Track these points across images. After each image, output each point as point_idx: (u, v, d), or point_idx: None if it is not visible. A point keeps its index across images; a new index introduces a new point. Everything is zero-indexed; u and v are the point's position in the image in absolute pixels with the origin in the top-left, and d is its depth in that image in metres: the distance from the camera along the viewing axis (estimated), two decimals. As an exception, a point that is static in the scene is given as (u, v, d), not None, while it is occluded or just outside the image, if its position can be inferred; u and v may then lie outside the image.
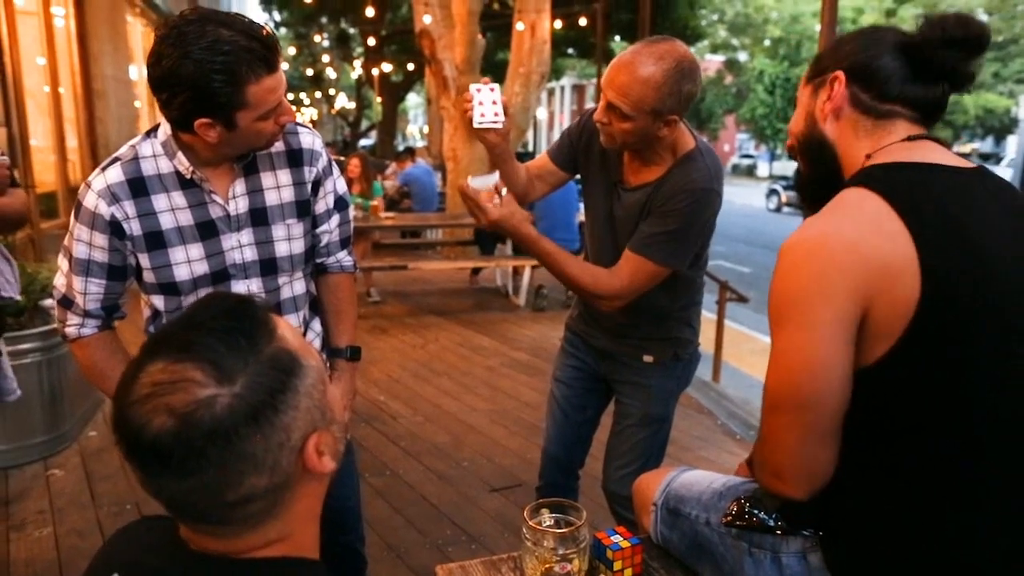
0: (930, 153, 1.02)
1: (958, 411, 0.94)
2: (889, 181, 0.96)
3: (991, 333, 0.92)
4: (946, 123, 27.63)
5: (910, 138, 1.03)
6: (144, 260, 1.37)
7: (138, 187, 1.34)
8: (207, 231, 1.39)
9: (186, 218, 1.37)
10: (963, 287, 0.91)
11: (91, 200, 1.32)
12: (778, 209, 19.81)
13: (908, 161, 0.99)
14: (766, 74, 28.88)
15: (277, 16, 19.69)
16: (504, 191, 1.61)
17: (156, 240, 1.36)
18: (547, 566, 1.11)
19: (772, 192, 20.63)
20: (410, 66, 18.77)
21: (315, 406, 0.73)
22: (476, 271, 7.27)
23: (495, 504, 2.92)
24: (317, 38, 21.43)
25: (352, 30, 19.86)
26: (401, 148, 9.11)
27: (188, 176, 1.35)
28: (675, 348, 1.85)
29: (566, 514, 1.18)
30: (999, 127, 29.82)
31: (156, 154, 1.35)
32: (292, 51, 19.48)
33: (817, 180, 1.12)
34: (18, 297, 2.32)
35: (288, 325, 0.75)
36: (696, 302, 1.88)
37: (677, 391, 1.93)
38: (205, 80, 1.17)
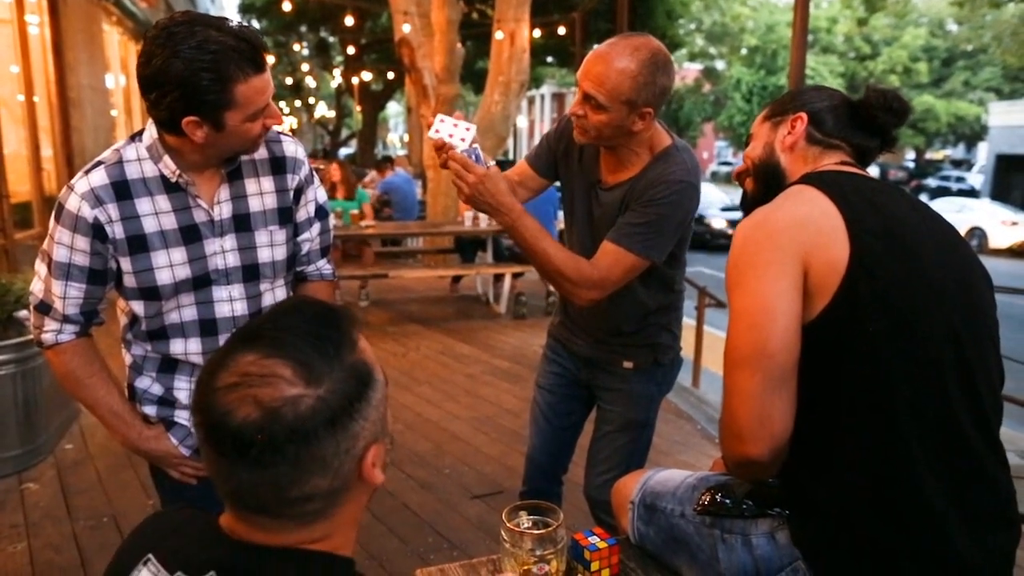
0: (858, 172, 1.24)
1: (881, 370, 1.05)
2: (821, 178, 1.18)
3: (911, 291, 1.07)
4: (918, 130, 28.13)
5: (843, 162, 1.25)
6: (126, 264, 1.36)
7: (122, 190, 1.33)
8: (190, 235, 1.39)
9: (170, 222, 1.37)
10: (883, 251, 1.08)
11: (74, 203, 1.31)
12: (756, 215, 20.02)
13: (842, 170, 1.22)
14: (743, 82, 29.22)
15: (256, 24, 19.62)
16: (491, 162, 1.58)
17: (139, 244, 1.35)
18: (525, 567, 1.13)
19: (750, 199, 20.86)
20: (390, 75, 18.77)
21: (380, 419, 0.76)
22: (457, 279, 7.28)
23: (476, 511, 2.92)
24: (297, 47, 21.37)
25: (332, 39, 19.84)
26: (380, 157, 9.12)
27: (174, 180, 1.35)
28: (655, 354, 1.87)
29: (543, 516, 1.19)
30: (970, 134, 30.41)
31: (141, 158, 1.35)
32: (272, 60, 19.42)
33: (765, 199, 1.24)
34: None
35: (365, 340, 0.78)
36: (676, 307, 1.90)
37: (658, 396, 1.94)
38: (194, 78, 1.18)
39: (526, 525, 1.18)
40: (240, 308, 1.46)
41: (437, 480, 3.20)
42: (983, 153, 29.70)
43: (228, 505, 0.75)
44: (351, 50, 17.24)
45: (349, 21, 11.85)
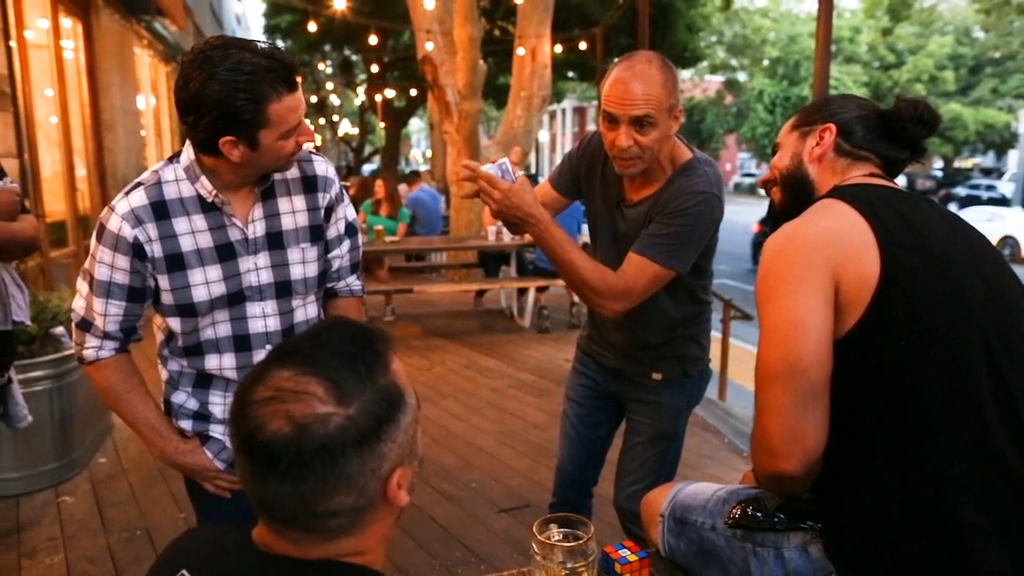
0: (886, 184, 1.23)
1: (915, 384, 1.04)
2: (850, 192, 1.16)
3: (943, 304, 1.06)
4: (946, 139, 27.71)
5: (871, 174, 1.23)
6: (164, 282, 1.40)
7: (160, 210, 1.38)
8: (225, 253, 1.43)
9: (205, 240, 1.41)
10: (914, 264, 1.07)
11: (115, 223, 1.36)
12: (781, 227, 19.82)
13: (872, 183, 1.20)
14: (765, 93, 29.08)
15: (282, 44, 19.99)
16: (519, 172, 1.61)
17: (176, 262, 1.39)
18: None
19: (774, 210, 20.68)
20: (413, 92, 18.97)
21: (408, 441, 0.77)
22: (481, 293, 7.30)
23: (504, 525, 2.92)
24: (321, 66, 21.70)
25: (355, 57, 20.12)
26: (409, 171, 9.23)
27: (210, 200, 1.40)
28: (683, 365, 1.87)
29: (574, 529, 1.20)
30: (999, 142, 29.89)
31: (178, 179, 1.40)
32: (297, 79, 19.75)
33: (793, 210, 1.24)
34: (29, 323, 2.35)
35: (399, 363, 0.80)
36: (703, 319, 1.90)
37: (687, 408, 1.94)
38: (230, 99, 1.23)
39: (557, 538, 1.19)
40: (273, 324, 1.49)
41: (464, 494, 3.20)
42: (1014, 161, 29.17)
43: (260, 516, 0.77)
44: (374, 68, 17.45)
45: (373, 40, 12.01)
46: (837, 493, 1.09)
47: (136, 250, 1.37)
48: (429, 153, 19.86)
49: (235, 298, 1.45)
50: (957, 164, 33.54)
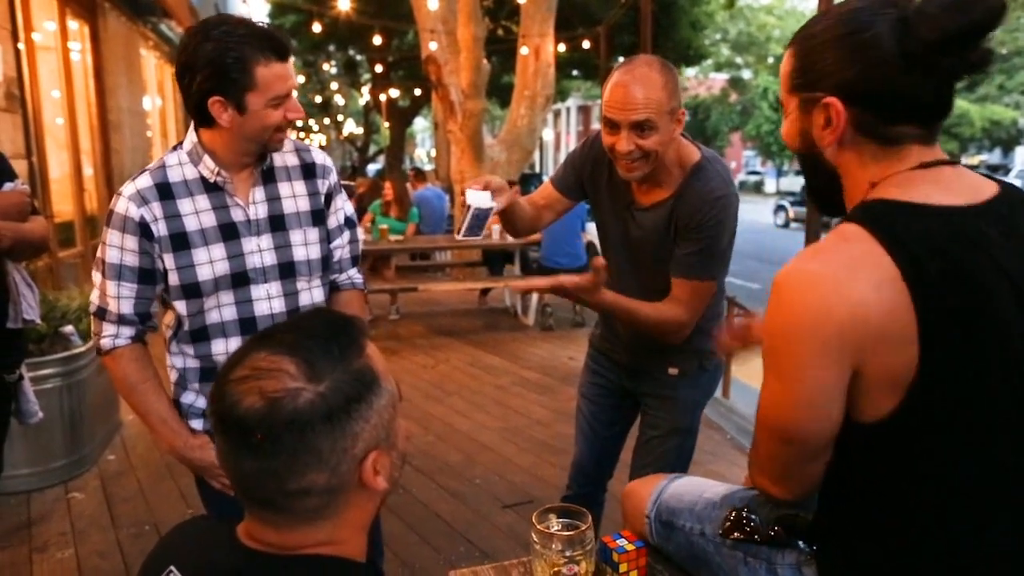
0: (942, 187, 0.91)
1: (947, 460, 0.90)
2: (896, 230, 0.86)
3: (992, 387, 0.88)
4: (952, 135, 27.60)
5: (923, 165, 0.92)
6: (169, 261, 1.45)
7: (165, 191, 1.45)
8: (229, 233, 1.48)
9: (209, 220, 1.47)
10: (964, 352, 0.85)
11: (122, 205, 1.43)
12: (786, 225, 19.82)
13: (920, 203, 0.89)
14: (770, 91, 28.99)
15: (286, 45, 20.06)
16: (496, 205, 1.64)
17: (181, 241, 1.45)
18: (556, 568, 1.16)
19: (780, 208, 20.67)
20: (417, 91, 18.99)
21: (383, 425, 0.79)
22: (485, 291, 7.33)
23: (507, 520, 2.95)
24: (325, 66, 21.74)
25: (359, 57, 20.16)
26: (413, 170, 9.25)
27: (212, 180, 1.46)
28: (700, 359, 1.88)
29: (573, 519, 1.23)
30: (1006, 139, 29.77)
31: (182, 163, 1.48)
32: (301, 79, 19.81)
33: (820, 190, 1.05)
34: (39, 322, 2.39)
35: (377, 351, 0.83)
36: (718, 313, 1.91)
37: (703, 402, 1.96)
38: (220, 58, 1.32)
39: (556, 528, 1.22)
40: (278, 306, 1.54)
41: (468, 490, 3.23)
42: (1020, 158, 29.07)
43: (243, 502, 0.80)
44: (379, 68, 17.50)
45: (377, 40, 12.06)
46: (847, 535, 1.00)
47: (143, 229, 1.42)
48: (434, 152, 19.88)
49: (239, 279, 1.49)
50: (964, 161, 33.39)
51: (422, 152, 49.04)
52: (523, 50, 8.52)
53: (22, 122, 4.56)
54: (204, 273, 1.46)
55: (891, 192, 0.91)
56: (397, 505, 3.03)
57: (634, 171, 1.65)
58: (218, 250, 1.47)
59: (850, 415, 0.92)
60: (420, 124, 37.68)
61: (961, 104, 26.93)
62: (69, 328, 3.31)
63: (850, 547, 0.99)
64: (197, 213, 1.46)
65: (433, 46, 8.25)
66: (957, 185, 0.92)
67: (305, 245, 1.56)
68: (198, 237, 1.46)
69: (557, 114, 40.33)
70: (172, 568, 0.82)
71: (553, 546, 1.16)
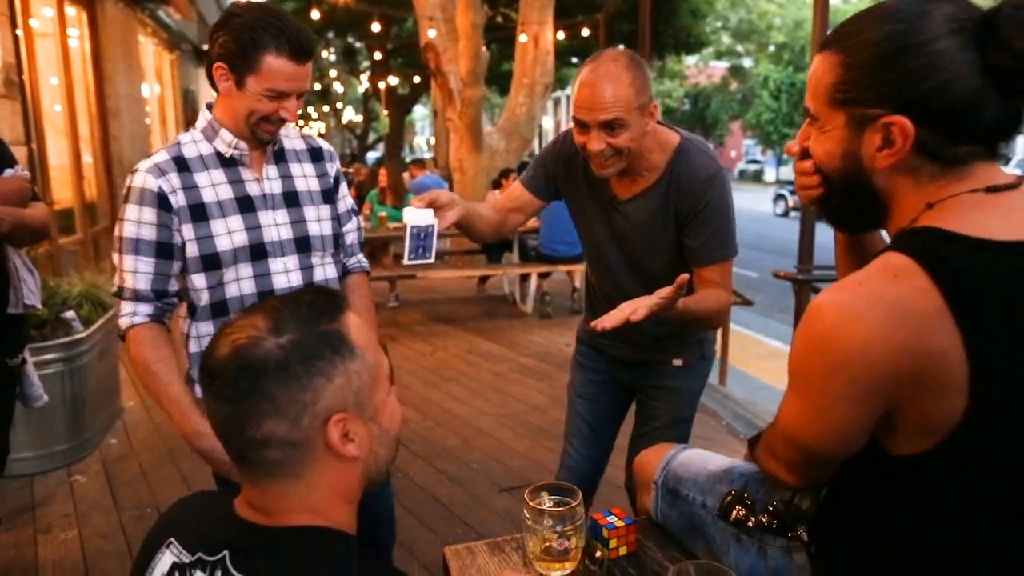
0: (1003, 216, 0.81)
1: (979, 490, 0.83)
2: (953, 268, 0.77)
3: None
4: None
5: (992, 189, 0.82)
6: (188, 232, 1.48)
7: (181, 164, 1.49)
8: (245, 205, 1.53)
9: (226, 192, 1.51)
10: (1010, 407, 0.77)
11: (139, 179, 1.47)
12: (785, 214, 19.82)
13: (982, 237, 0.79)
14: (771, 79, 28.90)
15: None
16: (436, 223, 1.50)
17: (199, 212, 1.49)
18: (547, 543, 1.19)
19: (779, 197, 20.66)
20: (416, 79, 18.94)
21: (352, 390, 0.81)
22: (483, 279, 7.37)
23: (504, 503, 3.00)
24: (324, 53, 21.67)
25: (359, 45, 20.09)
26: (411, 159, 9.21)
27: (228, 154, 1.51)
28: (702, 348, 1.90)
29: (564, 496, 1.26)
30: (1007, 128, 29.65)
31: (196, 140, 1.52)
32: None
33: (847, 214, 0.96)
34: (40, 307, 2.42)
35: (359, 323, 0.86)
36: None
37: (701, 391, 1.97)
38: (240, 33, 1.40)
39: (547, 505, 1.25)
40: (296, 279, 1.58)
41: (465, 474, 3.28)
42: (1021, 146, 28.99)
43: (233, 461, 0.83)
44: (378, 55, 17.44)
45: (376, 27, 12.03)
46: (847, 538, 0.98)
47: (161, 200, 1.46)
48: (433, 140, 19.86)
49: (257, 251, 1.54)
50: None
51: (421, 140, 48.90)
52: (522, 38, 8.51)
53: (21, 108, 4.57)
54: (223, 244, 1.50)
55: (948, 221, 0.81)
56: (395, 489, 3.07)
57: (608, 168, 1.62)
58: (235, 221, 1.51)
59: (875, 439, 0.87)
60: (419, 112, 37.57)
61: None
62: (70, 314, 3.34)
63: (850, 551, 0.98)
64: (214, 186, 1.50)
65: (432, 33, 8.23)
66: (1022, 213, 0.82)
67: (318, 221, 1.62)
68: (216, 208, 1.50)
69: (556, 102, 40.18)
70: (172, 540, 0.86)
71: (544, 522, 1.19)
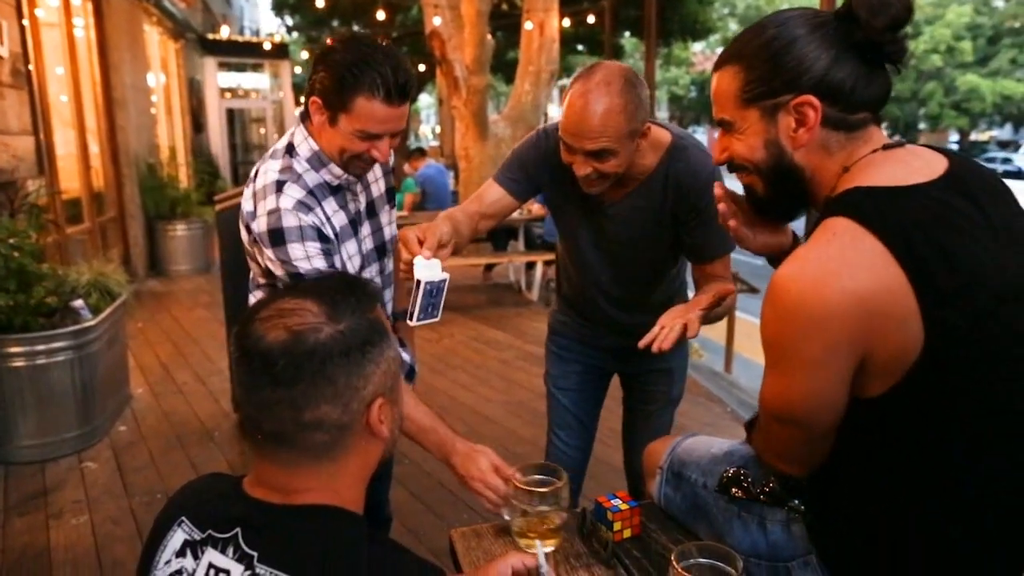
0: (907, 166, 0.96)
1: (947, 438, 0.92)
2: (879, 214, 0.89)
3: (994, 364, 0.90)
4: (963, 111, 27.29)
5: (886, 147, 0.98)
6: (336, 259, 1.51)
7: (313, 196, 1.48)
8: (355, 228, 1.58)
9: (341, 219, 1.54)
10: (962, 327, 0.87)
11: (291, 219, 1.41)
12: (792, 201, 19.72)
13: (892, 185, 0.93)
14: (778, 66, 28.63)
15: (289, 20, 19.90)
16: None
17: (339, 238, 1.53)
18: (530, 521, 1.27)
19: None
20: (421, 67, 18.86)
21: (390, 375, 0.86)
22: (489, 267, 7.37)
23: (510, 489, 3.01)
24: (329, 41, 21.64)
25: (363, 32, 20.04)
26: (412, 148, 9.16)
27: (336, 184, 1.52)
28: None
29: (549, 475, 1.31)
30: (1017, 114, 29.43)
31: (306, 170, 1.49)
32: (304, 55, 19.69)
33: (780, 201, 1.07)
34: None
35: (384, 312, 0.91)
36: (684, 281, 1.92)
37: (687, 366, 2.02)
38: (338, 72, 1.37)
39: (535, 481, 1.31)
40: (377, 285, 1.65)
41: (471, 460, 3.29)
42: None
43: (251, 442, 0.85)
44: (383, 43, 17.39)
45: (381, 15, 11.98)
46: (840, 501, 1.04)
47: (319, 234, 1.44)
48: (438, 128, 19.81)
49: (360, 269, 1.58)
50: (973, 137, 33.04)
51: (427, 128, 48.81)
52: (527, 25, 8.46)
53: (29, 98, 4.59)
54: (349, 267, 1.54)
55: (862, 179, 0.95)
56: (403, 475, 3.09)
57: (595, 187, 1.58)
58: (352, 245, 1.56)
59: (852, 392, 0.93)
60: (425, 100, 37.43)
61: (972, 79, 26.58)
62: (79, 302, 3.36)
63: (842, 515, 1.04)
64: (334, 214, 1.52)
65: (437, 21, 8.19)
66: (915, 163, 0.97)
67: (390, 224, 1.68)
68: (343, 233, 1.54)
69: (562, 90, 39.92)
70: (183, 518, 0.88)
71: (528, 500, 1.24)
